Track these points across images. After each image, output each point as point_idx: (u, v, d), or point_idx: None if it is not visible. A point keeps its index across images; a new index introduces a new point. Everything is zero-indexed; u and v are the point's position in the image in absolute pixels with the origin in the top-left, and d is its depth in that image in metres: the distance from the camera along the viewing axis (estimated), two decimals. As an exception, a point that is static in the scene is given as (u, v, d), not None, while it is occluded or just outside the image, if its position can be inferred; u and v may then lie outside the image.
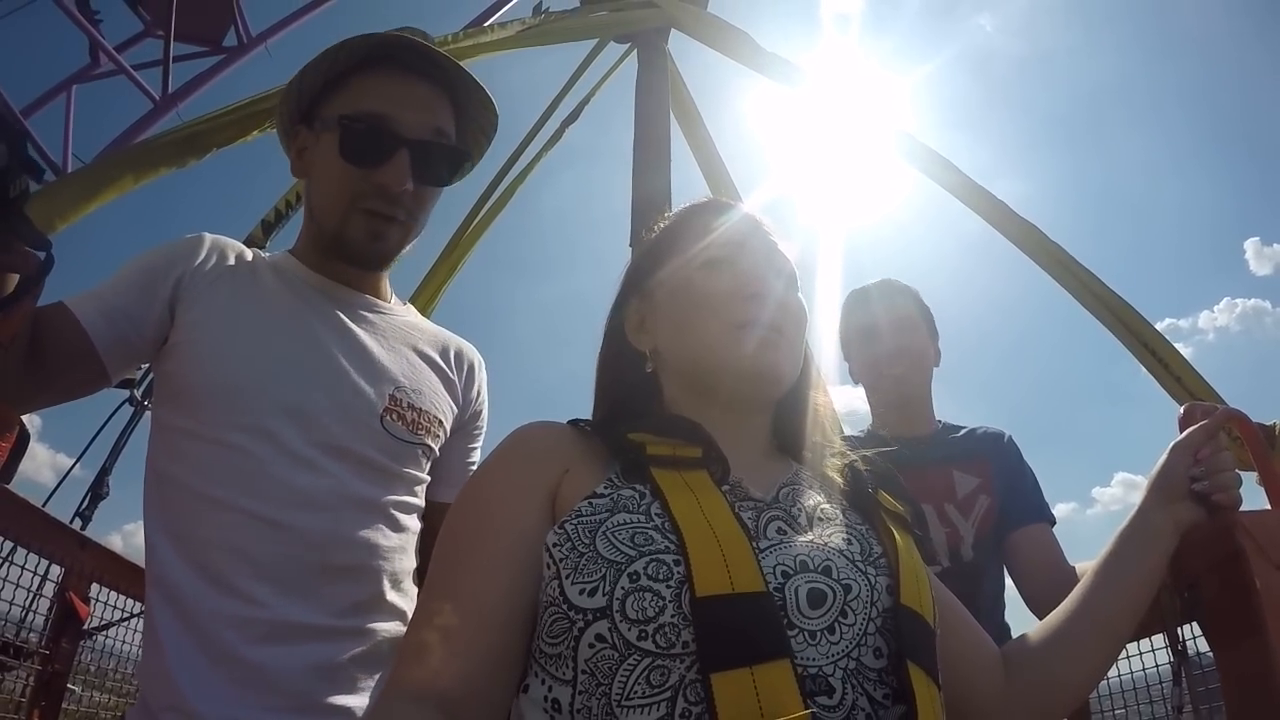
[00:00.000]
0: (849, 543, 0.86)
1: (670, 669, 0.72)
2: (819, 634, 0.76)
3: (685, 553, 0.75)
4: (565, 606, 0.77)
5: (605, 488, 0.84)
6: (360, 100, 1.25)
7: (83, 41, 7.33)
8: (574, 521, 0.81)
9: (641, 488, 0.83)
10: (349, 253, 1.31)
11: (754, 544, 0.79)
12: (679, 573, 0.74)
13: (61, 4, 6.89)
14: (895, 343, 1.94)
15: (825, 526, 0.88)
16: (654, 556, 0.76)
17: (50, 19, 7.03)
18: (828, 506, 0.92)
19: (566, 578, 0.78)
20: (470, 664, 0.78)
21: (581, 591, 0.76)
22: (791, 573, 0.79)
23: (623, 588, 0.75)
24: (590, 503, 0.83)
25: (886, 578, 0.84)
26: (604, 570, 0.76)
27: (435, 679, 0.77)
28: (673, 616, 0.73)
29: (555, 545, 0.80)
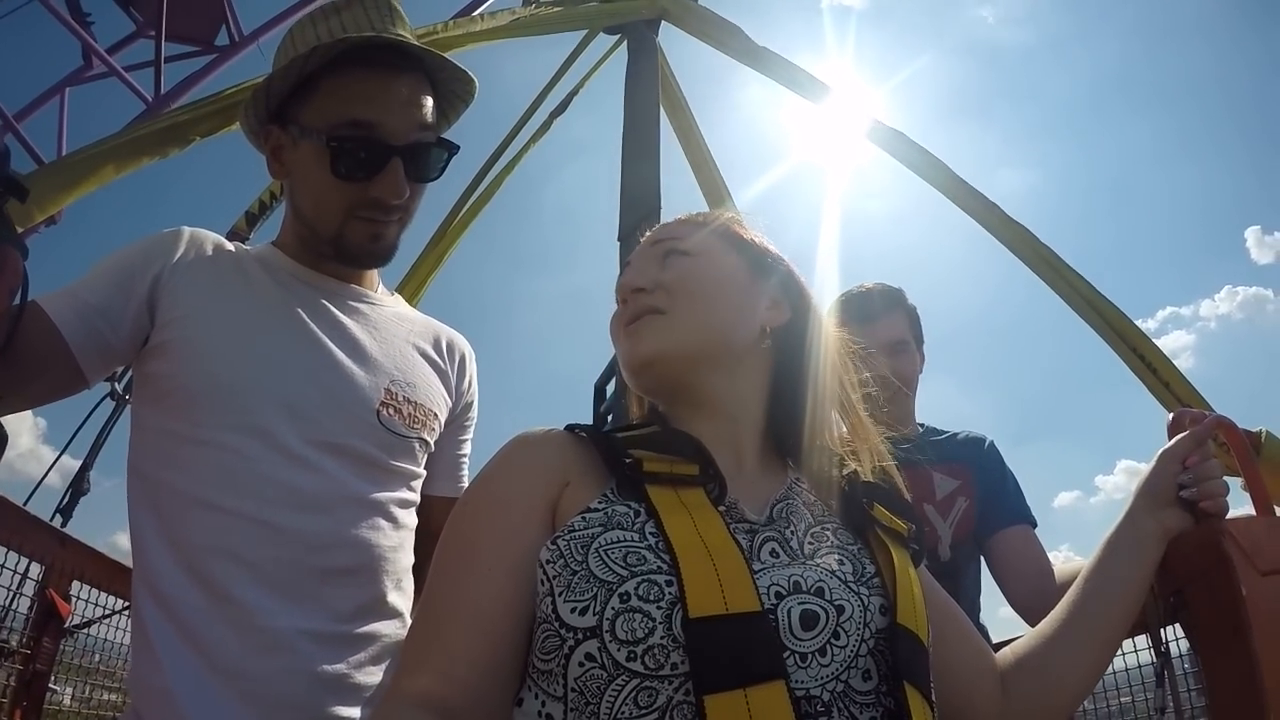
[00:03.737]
0: (841, 563, 0.85)
1: (658, 690, 0.71)
2: (810, 656, 0.75)
3: (678, 573, 0.74)
4: (557, 624, 0.76)
5: (599, 502, 0.83)
6: (342, 107, 1.20)
7: (74, 44, 7.32)
8: (567, 537, 0.80)
9: (636, 505, 0.82)
10: (349, 255, 1.28)
11: (749, 565, 0.78)
12: (670, 593, 0.73)
13: (52, 7, 6.87)
14: (887, 367, 1.93)
15: (818, 547, 0.87)
16: (645, 577, 0.75)
17: (42, 22, 7.03)
18: (819, 527, 0.90)
19: (559, 595, 0.77)
20: (472, 674, 0.77)
21: (573, 610, 0.75)
22: (785, 594, 0.78)
23: (613, 608, 0.73)
24: (584, 518, 0.81)
25: (880, 598, 0.83)
26: (595, 589, 0.75)
27: (436, 688, 0.77)
28: (662, 638, 0.72)
29: (548, 561, 0.79)
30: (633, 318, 0.97)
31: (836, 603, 0.79)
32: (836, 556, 0.86)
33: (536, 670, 0.78)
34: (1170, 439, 1.08)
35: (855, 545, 0.90)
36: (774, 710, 0.68)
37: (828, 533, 0.90)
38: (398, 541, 1.24)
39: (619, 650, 0.72)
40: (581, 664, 0.74)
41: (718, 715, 0.67)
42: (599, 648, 0.73)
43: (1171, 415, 1.12)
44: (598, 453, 0.89)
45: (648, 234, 1.08)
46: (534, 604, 0.80)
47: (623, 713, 0.71)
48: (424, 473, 1.33)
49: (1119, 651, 1.54)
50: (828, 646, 0.76)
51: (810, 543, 0.87)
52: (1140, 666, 1.53)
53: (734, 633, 0.71)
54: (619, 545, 0.78)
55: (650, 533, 0.79)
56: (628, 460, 0.86)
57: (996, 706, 0.97)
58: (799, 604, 0.77)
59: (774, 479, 0.96)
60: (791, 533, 0.88)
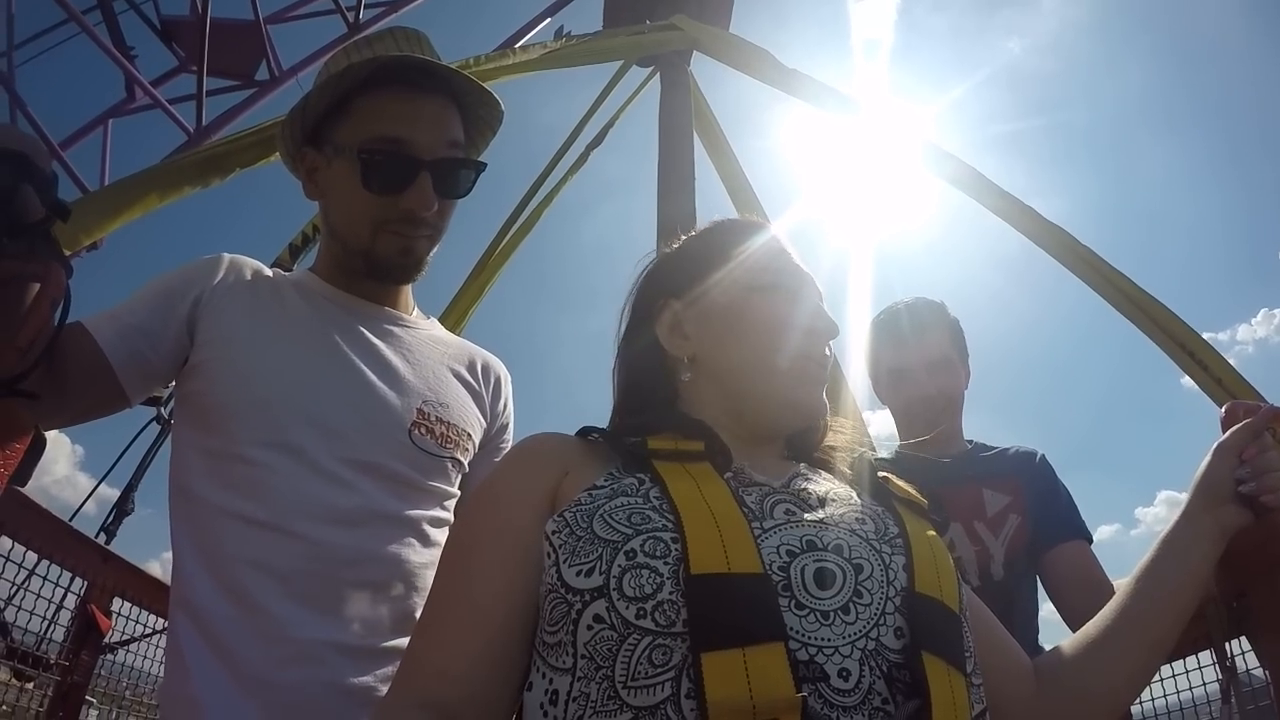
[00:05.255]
0: (863, 522, 0.84)
1: (672, 648, 0.70)
2: (833, 614, 0.74)
3: (682, 531, 0.74)
4: (563, 590, 0.76)
5: (605, 480, 0.84)
6: (373, 125, 1.25)
7: (119, 77, 7.50)
8: (573, 510, 0.81)
9: (642, 475, 0.83)
10: (380, 270, 1.31)
11: (759, 524, 0.79)
12: (676, 550, 0.74)
13: (98, 40, 7.06)
14: (931, 386, 1.90)
15: (837, 506, 0.86)
16: (651, 534, 0.75)
17: (87, 56, 7.22)
18: (841, 489, 0.90)
19: (564, 561, 0.77)
20: (466, 667, 0.78)
21: (578, 573, 0.75)
22: (797, 552, 0.77)
23: (619, 565, 0.74)
24: (590, 493, 0.83)
25: (903, 556, 0.82)
26: (600, 550, 0.75)
27: (432, 685, 0.78)
28: (671, 593, 0.71)
29: (554, 533, 0.80)
30: (823, 367, 0.98)
31: (855, 561, 0.78)
32: (858, 515, 0.85)
33: (545, 645, 0.78)
34: (1224, 432, 1.03)
35: (879, 508, 0.89)
36: (772, 672, 0.67)
37: (849, 493, 0.90)
38: (429, 559, 1.25)
39: (628, 608, 0.72)
40: (590, 626, 0.73)
41: (715, 673, 0.67)
42: (607, 608, 0.73)
43: (1224, 408, 1.07)
44: (602, 439, 0.91)
45: (809, 280, 1.05)
46: (535, 590, 0.81)
47: (639, 672, 0.70)
48: (458, 492, 1.34)
49: (1184, 669, 1.48)
50: (851, 605, 0.75)
51: (831, 500, 0.87)
52: (1206, 685, 1.43)
53: (735, 593, 0.71)
54: (623, 509, 0.79)
55: (655, 497, 0.80)
56: (632, 440, 0.88)
57: (1030, 708, 0.93)
58: (814, 562, 0.77)
59: (792, 465, 0.96)
60: (809, 493, 0.87)
